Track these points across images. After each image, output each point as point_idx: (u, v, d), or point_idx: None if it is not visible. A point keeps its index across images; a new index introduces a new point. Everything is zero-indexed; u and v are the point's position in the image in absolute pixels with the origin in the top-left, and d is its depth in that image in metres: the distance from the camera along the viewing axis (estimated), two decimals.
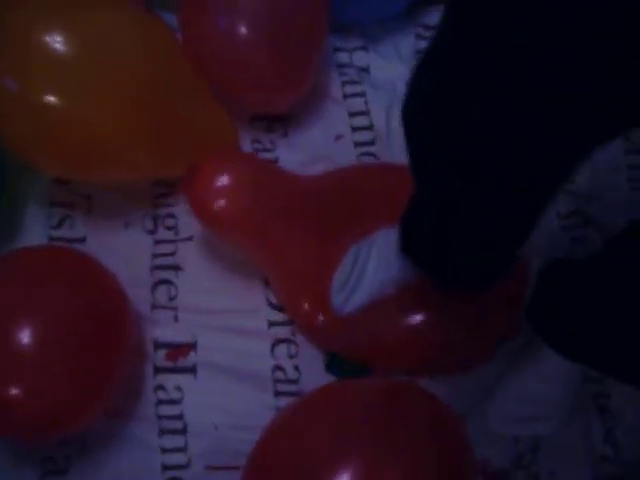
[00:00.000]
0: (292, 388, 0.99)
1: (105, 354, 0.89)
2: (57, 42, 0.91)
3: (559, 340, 0.88)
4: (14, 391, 0.82)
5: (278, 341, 1.02)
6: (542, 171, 0.57)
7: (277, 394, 0.99)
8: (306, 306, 1.00)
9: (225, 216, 0.96)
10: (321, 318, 0.98)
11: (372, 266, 0.91)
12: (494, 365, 0.99)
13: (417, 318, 0.97)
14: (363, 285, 0.92)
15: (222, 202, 0.95)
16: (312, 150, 1.12)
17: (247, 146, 1.13)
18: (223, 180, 0.96)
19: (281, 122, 1.14)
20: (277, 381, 1.00)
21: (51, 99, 0.91)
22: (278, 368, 1.00)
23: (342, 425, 0.83)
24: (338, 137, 1.13)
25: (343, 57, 1.19)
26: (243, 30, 1.03)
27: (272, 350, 1.02)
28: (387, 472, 0.79)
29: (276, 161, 1.12)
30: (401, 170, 0.76)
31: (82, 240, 1.07)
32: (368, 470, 0.79)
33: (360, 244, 0.94)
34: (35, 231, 1.07)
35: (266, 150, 1.13)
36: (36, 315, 0.86)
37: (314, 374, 1.00)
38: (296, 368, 1.00)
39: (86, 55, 0.94)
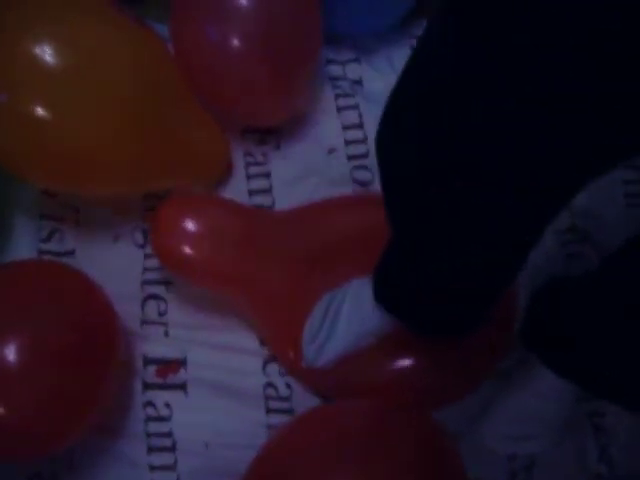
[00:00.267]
0: (284, 405, 0.98)
1: (93, 370, 0.88)
2: (46, 54, 0.90)
3: (554, 358, 0.88)
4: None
5: (270, 358, 1.01)
6: (543, 174, 0.56)
7: (269, 411, 0.98)
8: (290, 354, 0.98)
9: (190, 263, 0.94)
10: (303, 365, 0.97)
11: (345, 317, 0.91)
12: (488, 384, 0.98)
13: (402, 363, 0.96)
14: (336, 336, 0.92)
15: (186, 249, 0.93)
16: (305, 163, 1.11)
17: (239, 159, 1.11)
18: (185, 226, 0.93)
19: (274, 135, 1.13)
20: (268, 398, 0.98)
21: (39, 111, 0.90)
22: (270, 385, 0.99)
23: (337, 446, 0.82)
24: (331, 150, 1.12)
25: (336, 70, 1.18)
26: (235, 42, 1.01)
27: (264, 367, 1.00)
28: None
29: (268, 175, 1.10)
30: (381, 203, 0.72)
31: (71, 253, 1.05)
32: None
33: (333, 292, 0.94)
34: (24, 244, 1.05)
35: (258, 164, 1.11)
36: (23, 330, 0.84)
37: (306, 392, 0.99)
38: (288, 386, 0.99)
39: (75, 67, 0.92)
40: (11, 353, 0.82)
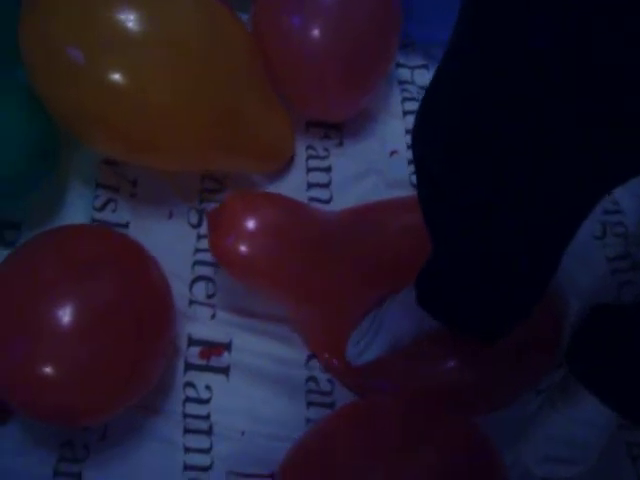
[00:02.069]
0: (325, 400, 0.97)
1: (145, 342, 0.86)
2: (128, 20, 0.90)
3: (598, 384, 0.87)
4: (48, 370, 0.80)
5: (315, 354, 1.00)
6: (573, 182, 0.58)
7: (309, 404, 0.96)
8: (326, 355, 0.99)
9: (247, 263, 0.93)
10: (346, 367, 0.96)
11: (389, 319, 0.91)
12: (530, 403, 0.97)
13: (441, 365, 0.96)
14: (379, 338, 0.92)
15: (243, 248, 0.92)
16: (366, 162, 1.11)
17: (301, 151, 1.11)
18: (244, 225, 0.92)
19: (338, 131, 1.13)
20: (310, 391, 0.97)
21: (114, 76, 0.89)
22: (311, 379, 0.98)
23: (373, 441, 0.81)
24: (393, 152, 1.12)
25: (405, 74, 1.18)
26: (314, 34, 1.02)
27: (307, 361, 0.99)
28: None
29: (329, 169, 1.10)
30: None
31: (125, 225, 1.05)
32: None
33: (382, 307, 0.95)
34: (78, 211, 1.05)
35: (320, 157, 1.11)
36: (76, 294, 0.83)
37: (347, 390, 0.98)
38: (330, 381, 0.98)
39: (154, 35, 0.92)
40: (63, 316, 0.81)
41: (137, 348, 0.85)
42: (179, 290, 1.00)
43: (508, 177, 0.59)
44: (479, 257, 0.70)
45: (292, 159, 1.10)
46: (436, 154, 0.63)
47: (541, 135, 0.54)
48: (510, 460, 0.93)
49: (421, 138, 0.64)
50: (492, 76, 0.54)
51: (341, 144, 1.13)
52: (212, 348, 0.99)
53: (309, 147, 1.12)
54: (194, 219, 1.06)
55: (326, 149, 1.12)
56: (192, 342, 0.99)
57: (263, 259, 0.92)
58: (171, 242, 1.03)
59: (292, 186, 1.07)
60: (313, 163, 1.11)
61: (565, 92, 0.50)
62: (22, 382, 0.81)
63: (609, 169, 0.58)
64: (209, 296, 1.02)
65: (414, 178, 1.10)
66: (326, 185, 1.09)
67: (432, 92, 0.61)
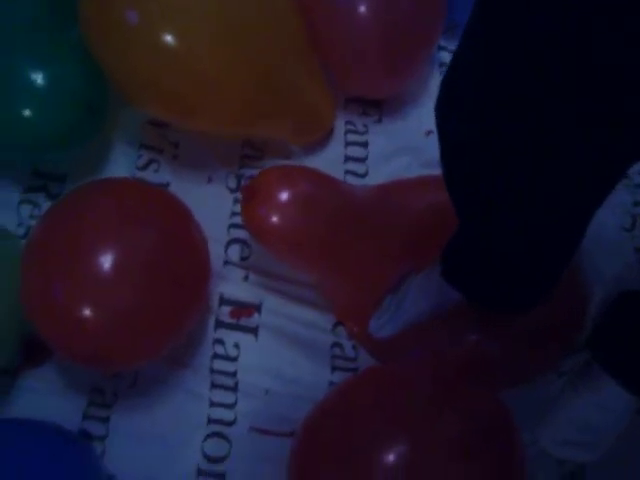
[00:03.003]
0: (349, 365, 0.99)
1: (181, 294, 0.89)
2: None
3: (624, 372, 0.88)
4: (87, 311, 0.82)
5: (340, 321, 1.02)
6: (589, 166, 0.59)
7: (334, 369, 0.99)
8: (353, 327, 1.01)
9: (278, 234, 0.95)
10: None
11: (413, 293, 0.94)
12: (551, 385, 0.98)
13: (464, 338, 0.97)
14: (401, 311, 0.95)
15: (275, 219, 0.94)
16: (403, 141, 1.13)
17: (340, 126, 1.14)
18: (280, 197, 0.94)
19: (377, 108, 1.15)
20: (335, 357, 1.00)
21: (167, 38, 0.92)
22: (337, 345, 1.00)
23: (393, 407, 0.83)
24: (429, 132, 1.14)
25: (446, 57, 1.20)
26: (362, 11, 1.04)
27: (334, 327, 1.02)
28: (433, 458, 0.79)
29: (366, 145, 1.12)
30: None
31: (166, 186, 1.08)
32: (414, 454, 0.79)
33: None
34: (121, 168, 1.09)
35: (358, 132, 1.13)
36: (120, 241, 0.86)
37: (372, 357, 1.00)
38: (354, 347, 1.01)
39: (205, 3, 0.95)
40: (105, 261, 0.84)
41: (173, 300, 0.88)
42: (214, 251, 1.02)
43: (507, 175, 0.62)
44: (496, 236, 0.73)
45: (331, 132, 1.12)
46: (444, 150, 0.67)
47: (541, 135, 0.56)
48: (528, 439, 0.94)
49: (438, 127, 0.67)
50: (493, 76, 0.57)
51: (380, 121, 1.15)
52: (243, 308, 1.01)
53: (348, 122, 1.14)
54: (232, 184, 1.09)
55: (365, 125, 1.14)
56: (224, 301, 1.02)
57: (294, 231, 0.94)
58: (209, 204, 1.06)
59: (330, 158, 1.10)
60: (351, 137, 1.13)
61: (565, 92, 0.52)
62: (61, 324, 0.85)
63: (609, 169, 0.60)
64: (243, 258, 1.04)
65: None
66: (363, 159, 1.12)
67: (447, 77, 0.64)
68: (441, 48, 1.20)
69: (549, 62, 0.51)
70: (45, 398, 0.95)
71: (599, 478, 0.97)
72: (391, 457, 0.78)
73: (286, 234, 0.95)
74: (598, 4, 0.46)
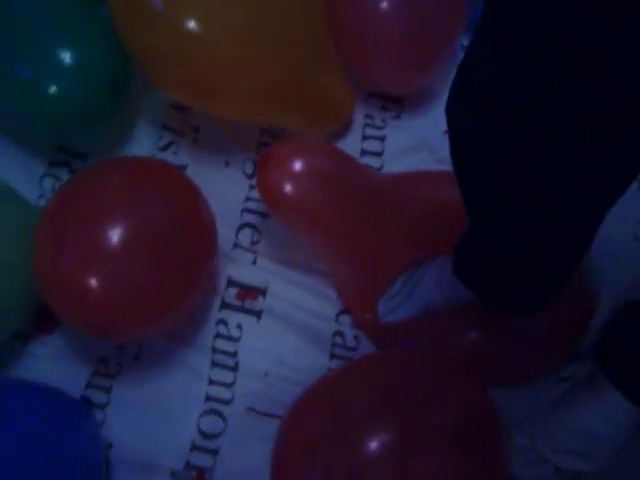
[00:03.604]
0: (348, 354, 1.00)
1: (186, 271, 0.91)
2: None
3: (629, 384, 0.87)
4: (94, 283, 0.85)
5: (344, 310, 1.03)
6: (590, 168, 0.59)
7: (332, 357, 1.00)
8: (360, 311, 1.01)
9: (291, 203, 0.96)
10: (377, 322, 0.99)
11: (424, 283, 0.94)
12: (552, 390, 0.98)
13: (468, 333, 0.97)
14: (412, 299, 0.95)
15: (288, 187, 0.95)
16: (420, 138, 1.14)
17: (359, 119, 1.15)
18: (292, 166, 0.95)
19: (396, 105, 1.16)
20: (335, 345, 1.01)
21: (190, 24, 0.95)
22: (339, 333, 1.02)
23: (384, 395, 0.84)
24: (447, 132, 1.13)
25: None
26: (385, 7, 1.05)
27: (337, 316, 1.03)
28: (419, 451, 0.80)
29: (383, 139, 1.14)
30: None
31: (183, 167, 1.10)
32: (401, 444, 0.80)
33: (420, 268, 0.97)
34: (142, 147, 1.12)
35: (375, 127, 1.15)
36: (130, 216, 0.89)
37: (372, 348, 1.01)
38: (356, 338, 1.02)
39: None
40: (114, 233, 0.86)
41: (177, 275, 0.90)
42: (225, 233, 1.05)
43: (510, 175, 0.62)
44: (501, 236, 0.73)
45: (350, 125, 1.14)
46: (453, 146, 0.69)
47: (541, 136, 0.57)
48: (527, 444, 0.94)
49: (448, 124, 0.69)
50: (497, 75, 0.57)
51: (398, 117, 1.16)
52: (249, 291, 1.03)
53: (367, 116, 1.15)
54: (249, 169, 1.11)
55: (383, 120, 1.15)
56: (231, 283, 1.04)
57: (307, 202, 0.95)
58: (224, 188, 1.08)
59: (346, 150, 1.10)
60: (369, 131, 1.14)
61: (566, 92, 0.53)
62: (67, 293, 0.88)
63: (612, 171, 0.60)
64: (253, 243, 1.06)
65: None
66: (379, 154, 1.13)
67: (458, 73, 0.65)
68: (464, 47, 1.20)
69: (549, 62, 0.52)
70: (52, 364, 0.99)
71: None
72: (375, 444, 0.79)
73: (298, 205, 0.96)
74: (598, 4, 0.47)
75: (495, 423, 0.86)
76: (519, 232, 0.71)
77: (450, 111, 0.68)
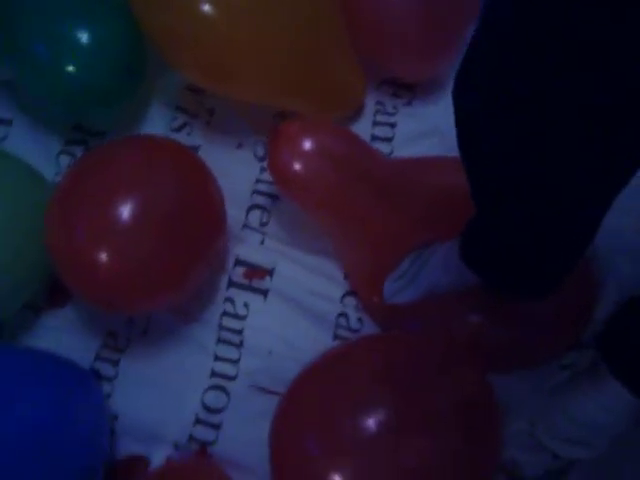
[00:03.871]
0: (351, 336, 1.02)
1: (194, 247, 0.93)
2: None
3: (630, 375, 0.87)
4: (103, 256, 0.87)
5: (350, 292, 1.05)
6: (591, 160, 0.60)
7: (336, 337, 1.02)
8: (368, 292, 1.02)
9: (300, 182, 0.97)
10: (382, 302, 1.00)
11: (431, 267, 0.94)
12: (553, 377, 0.99)
13: (473, 316, 0.98)
14: (418, 282, 0.96)
15: (297, 165, 0.96)
16: (430, 124, 1.15)
17: (370, 106, 1.16)
18: (302, 144, 0.96)
19: (408, 91, 1.17)
20: (339, 326, 1.02)
21: (205, 7, 0.96)
22: (343, 315, 1.03)
23: (382, 373, 0.86)
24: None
25: None
26: None
27: (342, 298, 1.04)
28: (415, 428, 0.81)
29: (394, 125, 1.15)
30: None
31: (196, 149, 1.12)
32: (396, 424, 0.81)
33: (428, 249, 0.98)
34: (156, 127, 1.14)
35: (387, 113, 1.16)
36: (141, 194, 0.91)
37: (376, 330, 1.02)
38: (360, 320, 1.03)
39: None
40: (124, 209, 0.89)
41: (185, 251, 0.92)
42: (235, 214, 1.07)
43: (513, 166, 0.63)
44: (504, 226, 0.74)
45: (361, 111, 1.15)
46: (459, 134, 0.69)
47: (543, 127, 0.57)
48: (518, 427, 0.95)
49: (455, 111, 0.69)
50: (500, 65, 0.58)
51: (410, 104, 1.17)
52: (256, 271, 1.05)
53: (378, 102, 1.16)
54: (261, 152, 1.13)
55: (395, 107, 1.16)
56: (238, 262, 1.06)
57: (316, 181, 0.97)
58: (235, 169, 1.10)
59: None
60: (380, 118, 1.15)
61: (567, 84, 0.53)
62: (77, 266, 0.90)
63: (613, 163, 0.60)
64: (262, 224, 1.08)
65: None
66: (389, 140, 1.14)
67: (463, 61, 0.65)
68: None
69: (552, 55, 0.53)
70: (63, 336, 1.02)
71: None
72: (372, 419, 0.81)
73: (308, 183, 0.97)
74: None
75: (492, 408, 0.87)
76: (521, 224, 0.71)
77: (455, 99, 0.69)
